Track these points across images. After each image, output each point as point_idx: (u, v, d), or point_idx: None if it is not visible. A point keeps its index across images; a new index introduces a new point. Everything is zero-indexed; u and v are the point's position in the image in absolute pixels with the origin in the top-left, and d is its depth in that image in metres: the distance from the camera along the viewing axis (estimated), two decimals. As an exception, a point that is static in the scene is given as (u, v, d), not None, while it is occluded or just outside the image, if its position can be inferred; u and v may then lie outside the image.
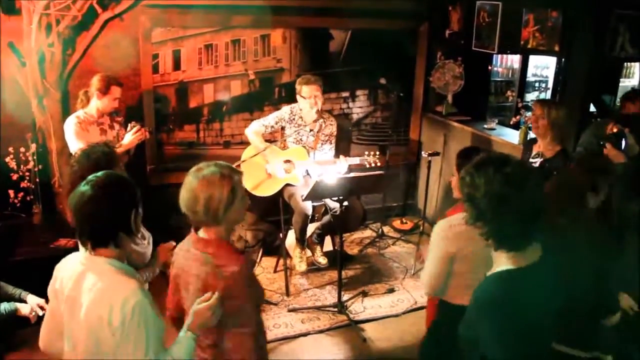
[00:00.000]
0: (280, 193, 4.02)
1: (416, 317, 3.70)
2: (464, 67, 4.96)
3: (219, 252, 1.85)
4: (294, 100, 4.09)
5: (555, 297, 1.69)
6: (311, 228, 4.18)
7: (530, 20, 4.16)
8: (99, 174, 1.75)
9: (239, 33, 4.45)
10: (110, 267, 1.68)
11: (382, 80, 5.05)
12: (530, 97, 5.65)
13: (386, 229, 5.09)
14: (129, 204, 1.73)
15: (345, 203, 3.64)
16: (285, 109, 4.11)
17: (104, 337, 1.61)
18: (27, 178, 3.89)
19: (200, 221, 1.87)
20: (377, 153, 4.04)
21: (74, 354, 1.73)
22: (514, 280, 1.61)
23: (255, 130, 4.03)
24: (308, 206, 3.88)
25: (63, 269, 1.81)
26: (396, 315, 3.79)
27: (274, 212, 4.16)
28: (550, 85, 5.67)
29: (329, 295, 3.99)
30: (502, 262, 1.65)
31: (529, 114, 3.86)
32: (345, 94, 4.99)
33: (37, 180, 3.90)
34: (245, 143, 4.17)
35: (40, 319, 2.64)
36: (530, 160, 3.30)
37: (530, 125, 3.42)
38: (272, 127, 4.06)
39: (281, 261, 4.17)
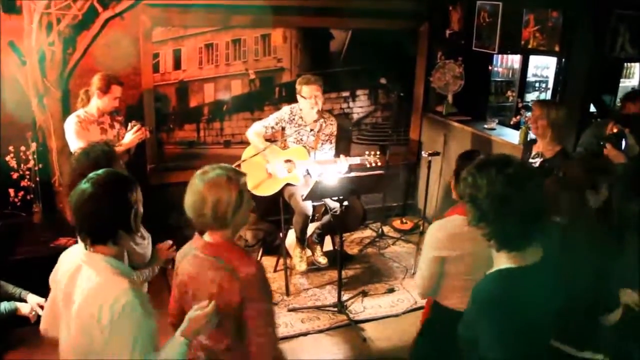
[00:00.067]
0: (280, 193, 4.02)
1: (416, 317, 3.68)
2: (464, 67, 4.96)
3: (232, 255, 1.83)
4: (295, 100, 4.09)
5: (554, 296, 1.69)
6: (311, 228, 4.18)
7: (530, 21, 4.16)
8: (100, 171, 1.76)
9: (239, 32, 4.45)
10: (106, 265, 1.68)
11: (383, 80, 5.05)
12: (531, 97, 5.64)
13: (386, 228, 5.10)
14: (129, 202, 1.73)
15: (346, 203, 3.64)
16: (285, 110, 4.11)
17: (95, 334, 1.62)
18: (28, 177, 3.89)
19: (207, 225, 1.85)
20: (378, 153, 4.04)
21: (67, 347, 1.74)
22: (514, 278, 1.62)
23: (255, 131, 4.03)
24: (308, 206, 3.88)
25: (64, 261, 1.84)
26: (396, 315, 3.79)
27: (274, 211, 4.16)
28: (550, 85, 5.67)
29: (328, 295, 3.99)
30: (503, 261, 1.65)
31: (529, 114, 3.86)
32: (345, 94, 4.99)
33: (38, 179, 3.90)
34: (246, 143, 4.17)
35: (39, 318, 2.65)
36: (530, 160, 3.30)
37: (530, 125, 3.42)
38: (273, 127, 4.06)
39: (281, 261, 4.17)
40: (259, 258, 4.42)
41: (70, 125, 3.48)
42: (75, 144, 3.34)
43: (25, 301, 2.75)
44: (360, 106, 5.08)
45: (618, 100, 4.32)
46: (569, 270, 1.78)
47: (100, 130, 3.61)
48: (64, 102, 3.91)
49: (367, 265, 4.49)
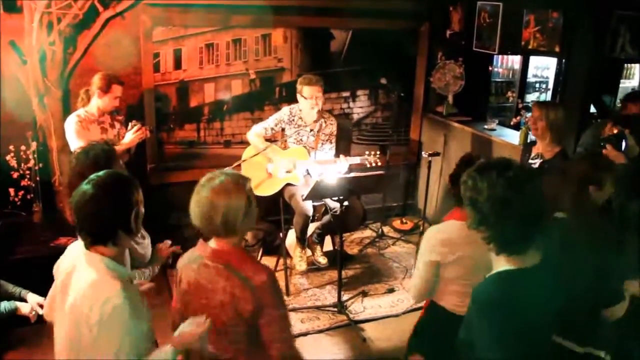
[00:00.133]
0: (280, 193, 4.02)
1: (416, 317, 3.63)
2: (465, 68, 4.96)
3: (243, 263, 1.81)
4: (295, 100, 4.09)
5: (555, 297, 1.69)
6: (311, 228, 4.18)
7: (531, 21, 4.16)
8: (101, 173, 1.75)
9: (239, 32, 4.45)
10: (103, 266, 1.69)
11: (383, 80, 5.05)
12: (531, 97, 5.65)
13: (386, 229, 5.10)
14: (130, 203, 1.73)
15: (346, 203, 3.64)
16: (285, 110, 4.11)
17: (83, 331, 1.63)
18: (28, 176, 3.89)
19: (215, 232, 1.82)
20: (378, 153, 4.04)
21: (60, 339, 1.76)
22: (514, 280, 1.62)
23: (256, 132, 4.04)
24: (308, 206, 3.88)
25: (68, 254, 1.87)
26: (396, 315, 3.80)
27: (274, 211, 4.16)
28: (550, 86, 5.68)
29: (328, 295, 3.99)
30: (502, 264, 1.65)
31: (529, 114, 3.86)
32: (345, 94, 4.99)
33: (38, 178, 3.90)
34: (246, 143, 4.17)
35: (39, 318, 2.64)
36: (530, 161, 3.31)
37: (530, 126, 3.43)
38: (272, 129, 4.07)
39: (281, 261, 4.17)
40: (259, 258, 4.42)
41: (71, 124, 3.48)
42: (76, 144, 3.34)
43: (25, 301, 2.74)
44: (360, 106, 5.08)
45: (618, 101, 4.32)
46: (571, 266, 1.78)
47: (100, 129, 3.61)
48: (65, 102, 3.91)
49: (367, 265, 4.49)
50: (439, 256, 2.14)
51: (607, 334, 2.10)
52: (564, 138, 3.29)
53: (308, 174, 4.08)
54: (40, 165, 3.90)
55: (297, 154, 4.03)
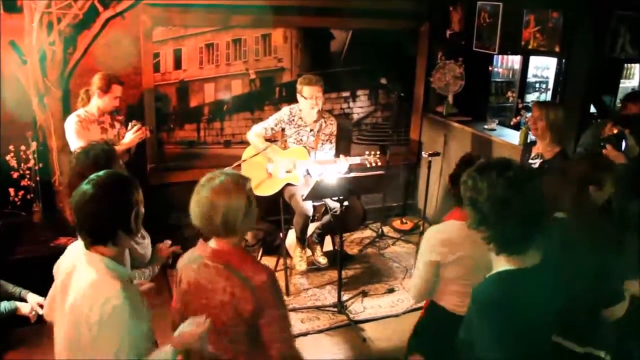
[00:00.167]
0: (280, 193, 4.02)
1: (416, 317, 3.63)
2: (465, 68, 4.96)
3: (243, 263, 1.81)
4: (295, 100, 4.09)
5: (555, 297, 1.69)
6: (311, 228, 4.18)
7: (531, 21, 4.16)
8: (101, 173, 1.75)
9: (239, 32, 4.45)
10: (103, 266, 1.69)
11: (383, 80, 5.05)
12: (531, 97, 5.65)
13: (386, 229, 5.10)
14: (130, 203, 1.73)
15: (346, 203, 3.64)
16: (284, 110, 4.11)
17: (83, 331, 1.63)
18: (28, 176, 3.89)
19: (215, 232, 1.82)
20: (378, 153, 4.04)
21: (59, 338, 1.76)
22: (514, 280, 1.62)
23: (256, 132, 4.04)
24: (309, 206, 3.88)
25: (68, 254, 1.87)
26: (396, 315, 3.80)
27: (274, 211, 4.16)
28: (550, 86, 5.67)
29: (328, 295, 3.99)
30: (502, 265, 1.65)
31: (529, 114, 3.86)
32: (345, 94, 4.99)
33: (38, 178, 3.90)
34: (246, 143, 4.17)
35: (39, 318, 2.64)
36: (530, 161, 3.31)
37: (530, 126, 3.43)
38: (272, 129, 4.07)
39: (281, 261, 4.17)
40: (259, 258, 4.42)
41: (71, 124, 3.48)
42: (76, 144, 3.34)
43: (25, 300, 2.74)
44: (360, 106, 5.08)
45: (618, 101, 4.32)
46: (572, 266, 1.78)
47: (100, 129, 3.61)
48: (65, 102, 3.91)
49: (367, 265, 4.49)
50: (438, 256, 2.14)
51: (607, 334, 2.10)
52: (564, 138, 3.29)
53: (308, 174, 4.08)
54: (40, 165, 3.90)
55: (297, 154, 4.03)
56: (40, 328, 2.47)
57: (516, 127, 4.62)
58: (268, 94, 4.68)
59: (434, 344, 2.21)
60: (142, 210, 1.80)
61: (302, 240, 4.10)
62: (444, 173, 4.91)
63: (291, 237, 4.25)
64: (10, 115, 3.81)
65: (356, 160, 4.03)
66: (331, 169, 3.93)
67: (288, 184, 4.01)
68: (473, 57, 4.90)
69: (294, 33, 4.62)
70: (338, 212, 3.67)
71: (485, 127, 4.68)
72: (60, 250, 1.95)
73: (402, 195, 5.36)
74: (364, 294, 4.02)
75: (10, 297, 2.74)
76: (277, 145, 4.10)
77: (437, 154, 4.74)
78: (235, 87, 4.58)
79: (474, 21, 4.75)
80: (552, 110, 3.20)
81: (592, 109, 4.23)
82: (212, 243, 1.86)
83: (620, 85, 4.81)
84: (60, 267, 1.87)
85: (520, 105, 4.92)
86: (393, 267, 4.47)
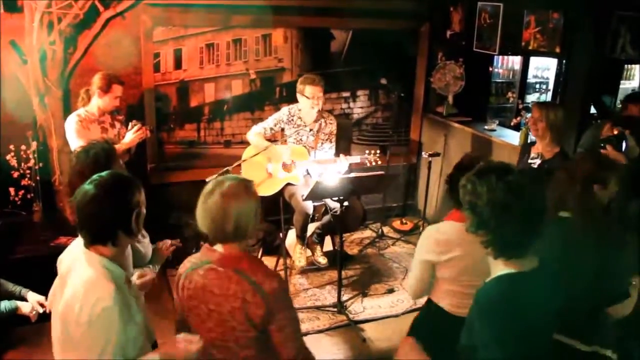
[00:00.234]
0: (280, 192, 4.02)
1: (416, 318, 3.70)
2: (465, 68, 4.96)
3: (254, 268, 1.79)
4: (295, 100, 4.09)
5: (558, 297, 1.69)
6: (311, 228, 4.18)
7: (531, 22, 4.16)
8: (104, 173, 1.76)
9: (240, 32, 4.46)
10: (100, 266, 1.69)
11: (383, 81, 5.05)
12: (531, 98, 5.65)
13: (386, 229, 5.10)
14: (131, 204, 1.73)
15: (346, 203, 3.64)
16: (284, 111, 4.11)
17: (71, 328, 1.64)
18: (28, 176, 3.89)
19: (225, 238, 1.79)
20: (378, 152, 4.04)
21: (55, 331, 1.77)
22: (514, 283, 1.62)
23: (256, 132, 4.04)
24: (309, 206, 3.88)
25: (70, 251, 1.88)
26: (396, 316, 3.80)
27: (274, 211, 4.16)
28: (551, 86, 5.68)
29: (328, 295, 3.99)
30: (500, 269, 1.65)
31: (529, 115, 3.86)
32: (346, 94, 4.99)
33: (38, 178, 3.90)
34: (246, 143, 4.17)
35: (40, 317, 2.65)
36: (529, 161, 3.31)
37: (530, 127, 3.43)
38: (272, 129, 4.07)
39: (281, 261, 4.17)
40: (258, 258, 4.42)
41: (71, 124, 3.48)
42: (76, 143, 3.34)
43: (25, 300, 2.75)
44: (360, 106, 5.08)
45: (618, 101, 4.32)
46: (577, 265, 1.78)
47: (100, 129, 3.61)
48: (65, 101, 3.91)
49: (367, 265, 4.49)
50: (433, 256, 2.15)
51: (613, 333, 2.10)
52: (564, 139, 3.30)
53: (308, 174, 4.08)
54: (41, 164, 3.90)
55: (297, 154, 4.03)
56: (40, 327, 2.48)
57: (516, 127, 4.62)
58: (268, 94, 4.69)
59: (429, 341, 2.21)
60: (144, 211, 1.80)
61: (302, 237, 4.09)
62: (444, 173, 4.90)
63: (291, 237, 4.25)
64: (11, 115, 3.81)
65: (356, 159, 4.03)
66: (331, 168, 3.94)
67: (288, 184, 4.01)
68: (473, 58, 4.90)
69: (294, 33, 4.62)
70: (338, 212, 3.67)
71: (486, 127, 4.69)
72: (60, 249, 1.96)
73: (402, 195, 5.36)
74: (364, 294, 4.02)
75: (11, 296, 2.75)
76: (276, 144, 4.10)
77: (437, 155, 4.75)
78: (235, 87, 4.58)
79: (475, 22, 4.75)
80: (552, 111, 3.21)
81: (593, 110, 4.24)
82: (219, 248, 1.83)
83: (621, 86, 4.81)
84: (63, 262, 1.88)
85: (520, 106, 4.91)
86: (393, 267, 4.47)
